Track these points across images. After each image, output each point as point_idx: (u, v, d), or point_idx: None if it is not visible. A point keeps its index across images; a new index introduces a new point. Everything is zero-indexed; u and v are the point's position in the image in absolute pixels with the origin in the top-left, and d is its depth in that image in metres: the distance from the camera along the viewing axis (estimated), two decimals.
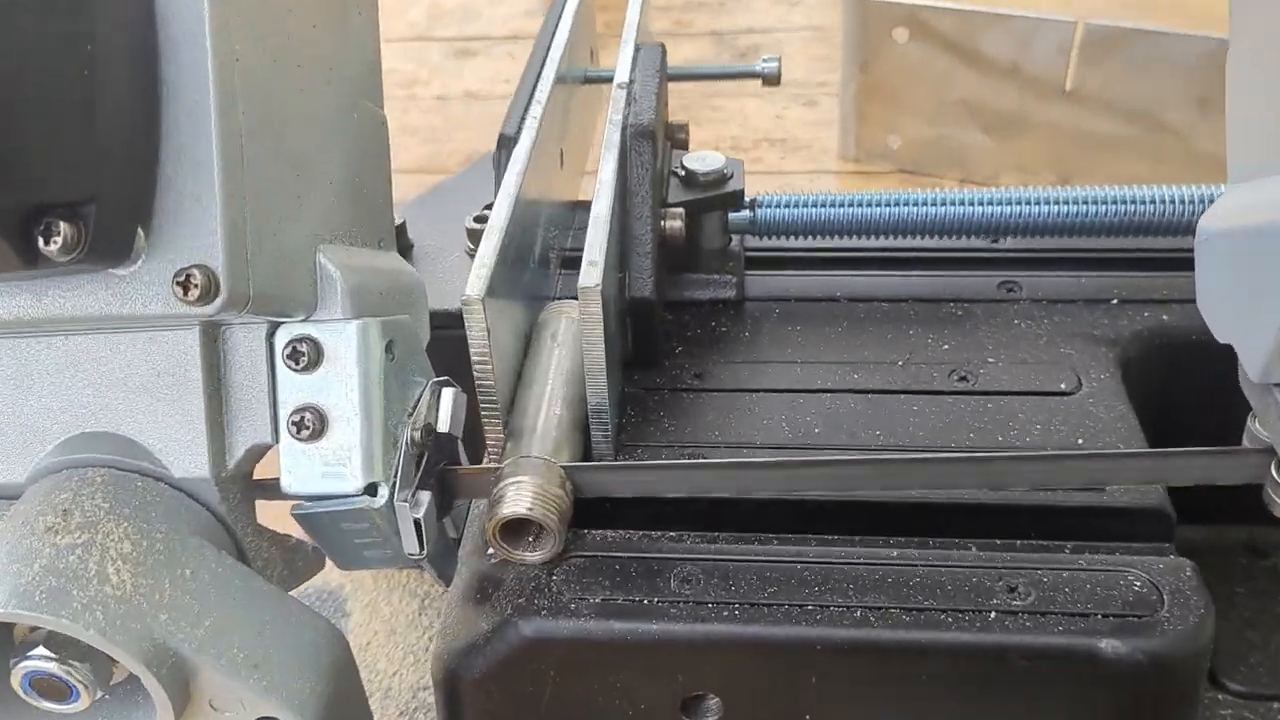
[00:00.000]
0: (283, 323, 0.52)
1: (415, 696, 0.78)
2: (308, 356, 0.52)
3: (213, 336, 0.52)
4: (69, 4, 0.41)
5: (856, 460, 0.58)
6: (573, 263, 0.80)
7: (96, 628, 0.46)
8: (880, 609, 0.54)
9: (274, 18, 0.48)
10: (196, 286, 0.46)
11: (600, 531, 0.59)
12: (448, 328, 0.64)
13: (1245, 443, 0.54)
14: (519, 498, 0.55)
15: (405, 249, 0.79)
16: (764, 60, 0.87)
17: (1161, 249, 0.75)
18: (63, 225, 0.42)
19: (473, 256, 0.58)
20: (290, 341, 0.52)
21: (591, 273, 0.56)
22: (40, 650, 0.47)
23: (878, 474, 0.56)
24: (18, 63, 0.40)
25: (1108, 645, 0.51)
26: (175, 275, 0.46)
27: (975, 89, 1.29)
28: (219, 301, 0.47)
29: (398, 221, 0.78)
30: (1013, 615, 0.53)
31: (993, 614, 0.53)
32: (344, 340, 0.52)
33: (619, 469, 0.59)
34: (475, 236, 0.79)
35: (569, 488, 0.57)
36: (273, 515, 0.57)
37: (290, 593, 0.57)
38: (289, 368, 0.52)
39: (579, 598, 0.55)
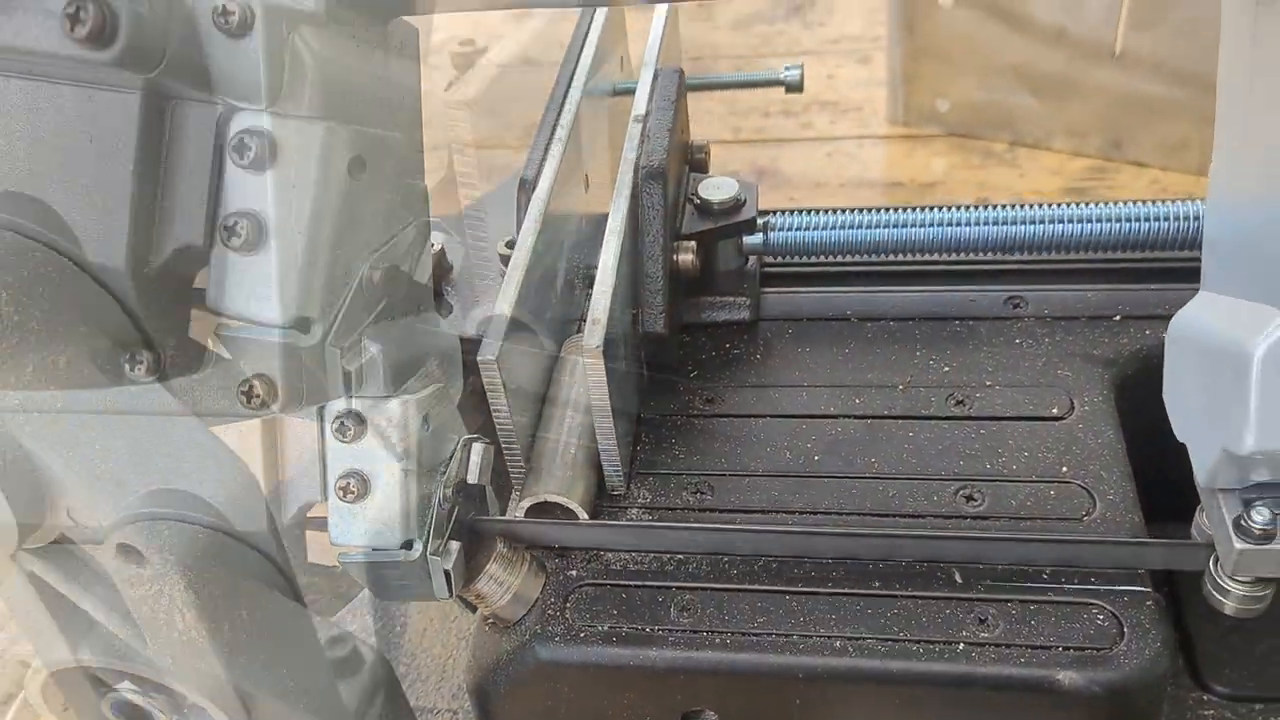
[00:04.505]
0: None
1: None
2: (352, 431, 0.58)
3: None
4: None
5: (841, 532, 0.63)
6: None
7: (166, 670, 0.54)
8: (858, 640, 0.59)
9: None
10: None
11: (614, 553, 0.65)
12: None
13: (1193, 533, 0.57)
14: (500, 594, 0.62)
15: (445, 272, 0.84)
16: (787, 69, 0.90)
17: (1169, 258, 0.77)
18: None
19: None
20: (338, 416, 0.57)
21: (595, 332, 0.61)
22: (125, 684, 0.56)
23: (859, 547, 0.62)
24: None
25: (1065, 677, 0.56)
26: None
27: (1024, 52, 1.28)
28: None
29: (435, 247, 0.83)
30: (979, 647, 0.58)
31: (961, 645, 0.58)
32: (385, 415, 0.58)
33: (608, 529, 0.66)
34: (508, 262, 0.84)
35: (539, 569, 0.64)
36: (321, 544, 0.65)
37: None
38: (338, 439, 0.58)
39: (588, 625, 0.62)
